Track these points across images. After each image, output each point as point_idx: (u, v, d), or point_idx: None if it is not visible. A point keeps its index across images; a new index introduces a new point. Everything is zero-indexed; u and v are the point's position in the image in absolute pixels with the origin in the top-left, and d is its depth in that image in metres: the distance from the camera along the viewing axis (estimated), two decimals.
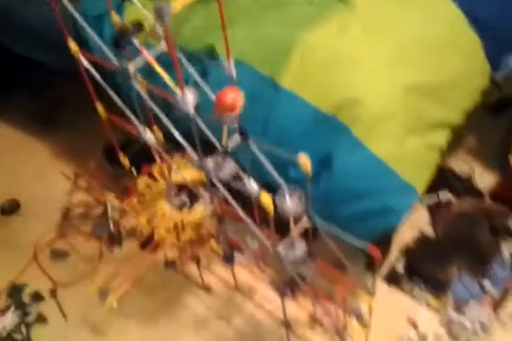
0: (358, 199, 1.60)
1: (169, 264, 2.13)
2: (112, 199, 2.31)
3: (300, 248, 1.34)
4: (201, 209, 1.75)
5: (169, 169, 1.73)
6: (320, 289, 1.57)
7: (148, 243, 1.99)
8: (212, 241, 1.98)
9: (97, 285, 1.77)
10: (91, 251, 2.21)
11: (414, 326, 1.79)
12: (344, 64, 1.61)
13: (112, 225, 2.22)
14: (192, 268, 2.11)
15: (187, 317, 2.00)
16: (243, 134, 1.34)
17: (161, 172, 1.75)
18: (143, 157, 1.75)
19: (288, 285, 1.55)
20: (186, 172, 1.73)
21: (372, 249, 1.23)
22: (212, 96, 1.28)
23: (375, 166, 1.56)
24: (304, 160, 1.21)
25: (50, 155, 2.61)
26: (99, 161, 2.48)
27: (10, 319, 1.99)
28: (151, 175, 1.80)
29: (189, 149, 1.33)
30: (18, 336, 1.96)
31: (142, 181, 1.75)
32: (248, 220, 1.36)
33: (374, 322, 1.42)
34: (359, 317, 1.47)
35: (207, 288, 2.07)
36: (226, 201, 1.62)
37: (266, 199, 1.17)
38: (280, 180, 1.28)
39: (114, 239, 2.21)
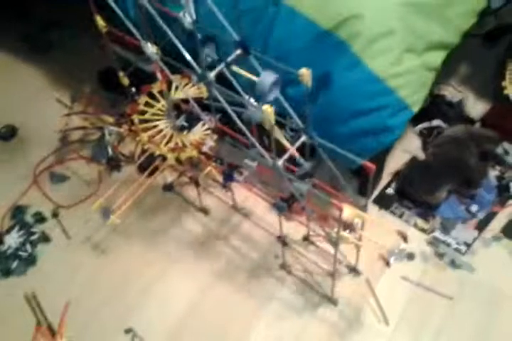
0: (354, 116, 1.63)
1: (167, 187, 2.19)
2: (109, 124, 2.33)
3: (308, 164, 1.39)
4: (201, 130, 1.78)
5: (169, 87, 1.74)
6: (315, 207, 1.63)
7: (146, 166, 2.04)
8: (211, 164, 2.03)
9: (99, 204, 1.82)
10: (90, 175, 2.25)
11: (405, 240, 1.88)
12: None
13: (110, 150, 2.26)
14: (190, 191, 2.17)
15: (186, 238, 2.08)
16: (245, 48, 1.35)
17: (160, 91, 1.77)
18: (137, 80, 1.76)
19: (285, 202, 1.61)
20: (187, 90, 1.75)
21: (367, 165, 1.26)
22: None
23: (374, 84, 1.58)
24: (305, 73, 1.22)
25: (45, 79, 2.57)
26: (95, 87, 2.47)
27: (15, 238, 2.06)
28: (150, 96, 1.82)
29: (192, 61, 1.34)
30: (23, 254, 2.03)
31: (142, 100, 1.76)
32: (248, 134, 1.39)
33: (364, 239, 1.49)
34: (352, 231, 1.54)
35: (205, 210, 2.14)
36: (224, 121, 1.66)
37: (268, 110, 1.19)
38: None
39: (113, 164, 2.25)
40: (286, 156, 1.36)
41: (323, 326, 1.85)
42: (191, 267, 1.99)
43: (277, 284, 1.94)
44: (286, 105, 1.33)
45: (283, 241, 1.77)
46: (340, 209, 1.28)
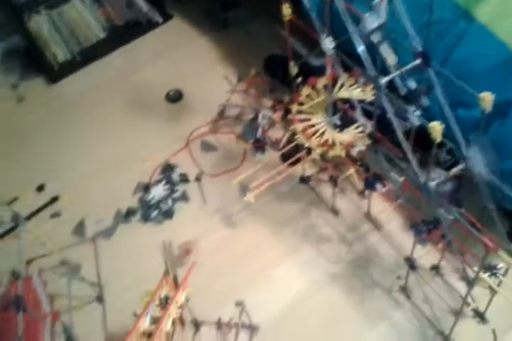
0: None
1: (304, 180, 2.18)
2: (264, 108, 2.39)
3: (450, 185, 1.29)
4: (354, 132, 1.74)
5: (335, 84, 1.71)
6: (456, 240, 1.51)
7: (289, 156, 2.05)
8: (355, 168, 1.98)
9: (239, 180, 1.87)
10: (236, 151, 2.32)
11: None
12: None
13: (259, 132, 2.31)
14: (325, 189, 2.15)
15: (310, 232, 2.06)
16: (426, 60, 1.27)
17: (324, 86, 1.75)
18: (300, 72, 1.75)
19: (425, 226, 1.52)
20: (351, 90, 1.72)
21: None
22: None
23: None
24: (487, 99, 1.12)
25: (218, 55, 2.69)
26: (259, 70, 2.53)
27: (160, 191, 2.23)
28: (313, 89, 1.80)
29: (367, 62, 1.30)
30: (164, 206, 2.19)
31: (305, 91, 1.76)
32: (407, 149, 1.33)
33: (504, 286, 1.35)
34: (493, 274, 1.42)
35: (336, 211, 2.10)
36: (381, 131, 1.60)
37: (436, 127, 1.12)
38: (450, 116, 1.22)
39: (259, 146, 2.30)
40: (440, 180, 1.27)
41: None
42: (309, 261, 1.98)
43: (392, 306, 1.84)
44: (454, 127, 1.24)
45: (411, 264, 1.68)
46: (489, 249, 1.17)
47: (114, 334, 1.88)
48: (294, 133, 1.81)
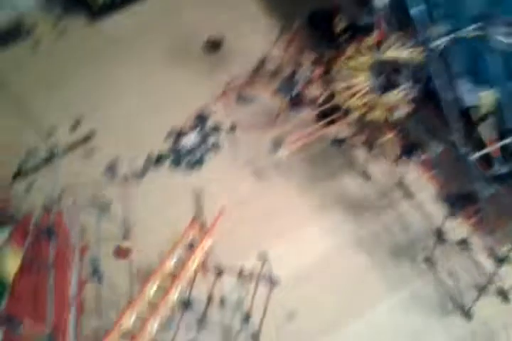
0: None
1: (337, 142, 2.13)
2: (304, 64, 2.31)
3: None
4: (397, 95, 1.67)
5: (380, 43, 1.64)
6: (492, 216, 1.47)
7: (325, 115, 2.00)
8: (393, 134, 1.92)
9: (273, 135, 1.84)
10: (271, 106, 2.29)
11: None
12: None
13: (296, 89, 2.25)
14: (357, 153, 2.10)
15: (340, 195, 2.04)
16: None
17: (372, 46, 1.67)
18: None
19: (460, 199, 1.47)
20: (400, 50, 1.64)
21: None
22: None
23: None
24: None
25: (263, 5, 2.59)
26: (303, 24, 2.43)
27: (193, 138, 2.24)
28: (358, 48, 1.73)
29: (421, 23, 1.22)
30: (195, 154, 2.20)
31: (351, 49, 1.69)
32: (452, 117, 1.26)
33: None
34: None
35: (367, 176, 2.06)
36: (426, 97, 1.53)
37: (488, 97, 1.06)
38: None
39: (295, 102, 2.25)
40: (483, 152, 1.22)
41: (447, 337, 1.71)
42: (336, 224, 1.98)
43: (415, 275, 1.83)
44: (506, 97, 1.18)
45: (440, 235, 1.64)
46: None
47: (139, 272, 1.93)
48: (332, 93, 1.75)
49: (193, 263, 1.60)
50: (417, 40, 1.47)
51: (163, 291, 1.53)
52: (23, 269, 1.91)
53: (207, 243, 1.63)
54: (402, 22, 1.39)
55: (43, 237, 1.89)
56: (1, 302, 1.87)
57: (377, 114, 1.62)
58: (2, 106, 2.38)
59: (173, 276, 1.52)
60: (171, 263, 1.56)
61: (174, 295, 1.53)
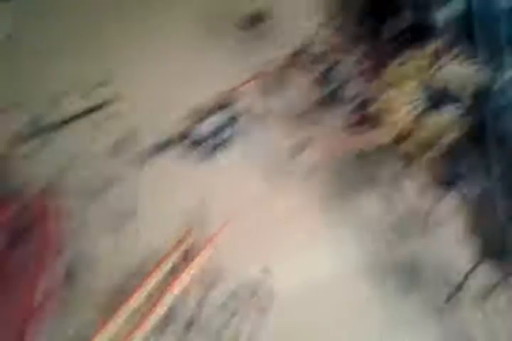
0: None
1: (363, 156, 1.89)
2: (350, 57, 2.05)
3: None
4: (446, 117, 1.44)
5: (438, 54, 1.40)
6: None
7: (360, 122, 1.78)
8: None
9: (297, 135, 1.59)
10: (305, 98, 2.06)
11: None
12: None
13: (336, 83, 2.02)
14: (387, 171, 1.88)
15: (357, 214, 1.84)
16: None
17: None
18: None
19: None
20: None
21: None
22: None
23: None
24: None
25: None
26: (361, 10, 2.14)
27: (210, 125, 2.01)
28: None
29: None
30: (209, 143, 1.99)
31: (409, 53, 1.44)
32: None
33: None
34: None
35: (389, 196, 1.85)
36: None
37: None
38: None
39: (331, 98, 2.03)
40: None
41: None
42: (348, 247, 1.78)
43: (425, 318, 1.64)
44: None
45: (463, 282, 1.44)
46: None
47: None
48: (376, 97, 1.53)
49: (190, 272, 1.44)
50: (485, 61, 1.22)
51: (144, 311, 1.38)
52: None
53: (207, 252, 1.47)
54: (470, 38, 1.15)
55: (16, 240, 1.64)
56: None
57: (423, 135, 1.39)
58: (20, 62, 2.18)
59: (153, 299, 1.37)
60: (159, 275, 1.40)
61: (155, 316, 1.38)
